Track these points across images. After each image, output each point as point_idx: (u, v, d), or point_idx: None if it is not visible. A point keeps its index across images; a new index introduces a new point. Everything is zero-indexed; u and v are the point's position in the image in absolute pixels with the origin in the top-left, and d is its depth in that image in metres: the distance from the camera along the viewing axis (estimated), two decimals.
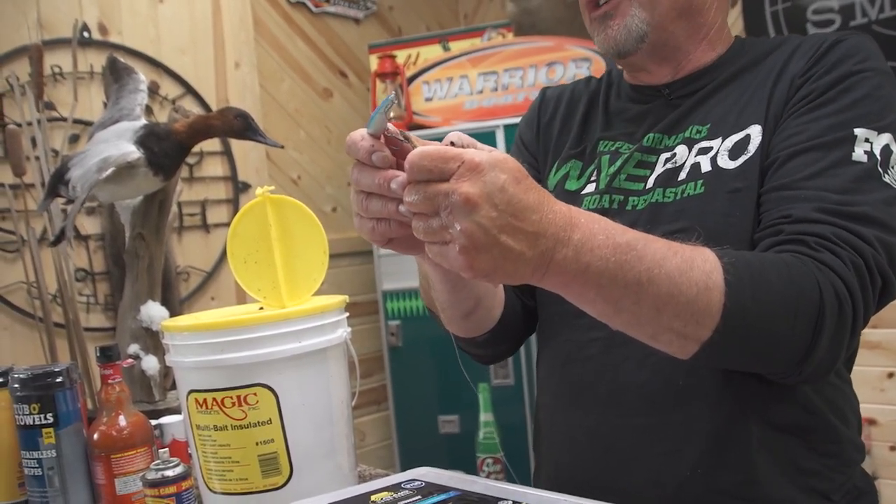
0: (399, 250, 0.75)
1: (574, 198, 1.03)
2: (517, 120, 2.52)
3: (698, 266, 0.73)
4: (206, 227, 2.57)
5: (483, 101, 2.70)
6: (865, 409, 2.44)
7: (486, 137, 2.57)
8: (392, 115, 0.71)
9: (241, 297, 2.61)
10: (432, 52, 2.87)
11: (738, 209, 0.88)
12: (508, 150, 2.63)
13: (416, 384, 2.68)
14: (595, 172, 1.03)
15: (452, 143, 0.69)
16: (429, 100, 2.78)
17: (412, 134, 0.70)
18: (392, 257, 2.70)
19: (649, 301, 0.71)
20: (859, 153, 0.84)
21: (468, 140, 0.71)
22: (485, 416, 2.47)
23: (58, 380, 1.01)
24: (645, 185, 0.97)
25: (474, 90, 2.71)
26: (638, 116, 1.04)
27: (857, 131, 0.85)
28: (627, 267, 0.69)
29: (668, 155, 0.97)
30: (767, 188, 0.87)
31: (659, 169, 0.97)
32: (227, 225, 2.60)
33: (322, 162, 3.02)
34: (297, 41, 2.96)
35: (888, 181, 0.84)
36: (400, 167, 0.67)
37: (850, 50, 0.91)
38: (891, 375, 2.42)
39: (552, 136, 1.12)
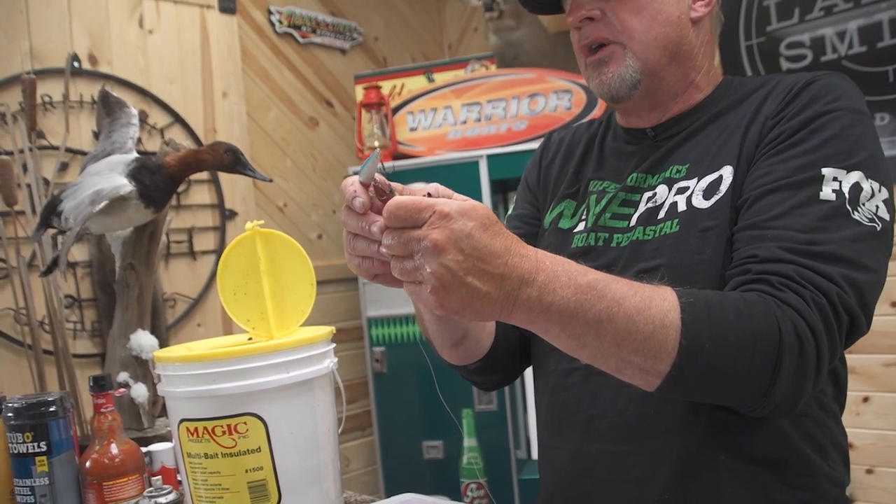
0: (384, 284, 0.81)
1: (566, 236, 1.07)
2: (500, 150, 2.61)
3: (656, 305, 0.77)
4: (192, 254, 2.59)
5: (466, 132, 2.75)
6: None
7: (470, 167, 2.63)
8: (379, 165, 0.78)
9: (228, 324, 2.64)
10: (417, 82, 2.93)
11: (709, 247, 0.92)
12: (490, 179, 2.67)
13: (401, 410, 2.71)
14: (585, 211, 1.07)
15: (429, 194, 0.74)
16: (413, 129, 2.83)
17: (398, 185, 0.76)
18: (377, 285, 2.73)
19: (610, 337, 0.76)
20: (827, 192, 0.86)
21: (445, 191, 0.76)
22: (468, 442, 2.50)
23: (51, 409, 1.04)
24: (629, 223, 1.01)
25: (458, 120, 2.77)
26: (626, 157, 1.08)
27: (825, 171, 0.87)
28: (588, 305, 0.74)
29: (650, 194, 1.01)
30: (738, 227, 0.91)
31: (641, 208, 1.01)
32: (214, 252, 2.64)
33: (308, 190, 3.06)
34: (283, 71, 3.01)
35: (857, 218, 0.85)
36: (376, 211, 0.74)
37: (821, 90, 0.94)
38: (866, 399, 2.47)
39: (552, 176, 1.17)
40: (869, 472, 2.49)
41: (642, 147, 1.07)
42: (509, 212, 1.24)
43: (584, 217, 1.07)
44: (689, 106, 1.05)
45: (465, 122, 2.76)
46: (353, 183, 0.75)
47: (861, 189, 0.87)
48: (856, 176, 0.87)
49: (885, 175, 0.90)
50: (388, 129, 2.82)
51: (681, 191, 0.98)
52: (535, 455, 2.57)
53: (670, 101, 1.05)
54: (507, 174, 2.61)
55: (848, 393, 1.00)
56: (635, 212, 1.01)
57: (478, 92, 2.75)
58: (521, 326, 0.77)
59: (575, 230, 1.07)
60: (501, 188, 2.71)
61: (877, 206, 0.87)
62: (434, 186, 0.76)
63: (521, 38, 2.78)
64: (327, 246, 3.09)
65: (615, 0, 1.00)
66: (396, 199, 0.71)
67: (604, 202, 1.05)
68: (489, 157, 2.62)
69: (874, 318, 0.86)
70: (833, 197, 0.86)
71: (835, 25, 2.46)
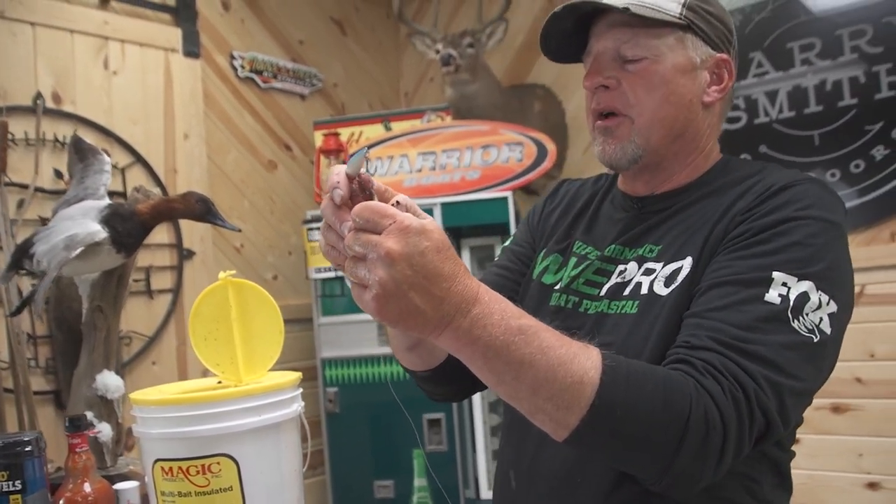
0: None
1: (547, 291, 1.11)
2: (454, 198, 2.72)
3: (579, 362, 0.79)
4: (149, 292, 2.62)
5: (422, 179, 2.85)
6: None
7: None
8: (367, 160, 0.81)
9: (183, 364, 2.66)
10: (375, 131, 3.03)
11: (654, 335, 0.94)
12: (444, 227, 2.76)
13: (353, 449, 2.75)
14: (565, 271, 1.11)
15: (398, 203, 0.78)
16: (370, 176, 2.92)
17: (383, 186, 0.79)
18: (331, 326, 2.80)
19: (528, 381, 0.78)
20: (773, 295, 0.87)
21: (410, 204, 0.78)
22: (419, 482, 2.56)
23: (27, 448, 1.09)
24: (599, 292, 1.04)
25: (413, 168, 2.87)
26: (612, 224, 1.11)
27: (776, 274, 0.88)
28: (513, 347, 0.77)
29: (622, 268, 1.04)
30: (685, 314, 0.93)
31: (613, 280, 1.04)
32: (171, 291, 2.67)
33: (265, 231, 3.12)
34: (244, 115, 3.08)
35: (796, 326, 0.86)
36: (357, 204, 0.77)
37: (796, 195, 0.95)
38: (796, 441, 2.61)
39: (549, 225, 1.20)
40: None
41: (628, 217, 1.09)
42: (506, 243, 1.27)
43: (562, 276, 1.10)
44: (680, 184, 1.07)
45: (420, 171, 2.86)
46: (338, 173, 0.76)
47: (808, 299, 0.88)
48: (805, 285, 0.88)
49: (841, 290, 0.91)
50: None
51: (648, 272, 1.00)
52: (483, 495, 2.64)
53: (666, 177, 1.08)
54: (460, 222, 2.71)
55: None
56: (607, 282, 1.04)
57: (433, 142, 2.86)
58: (448, 351, 0.80)
59: (555, 287, 1.10)
60: (455, 235, 2.81)
61: (820, 319, 0.88)
62: (403, 197, 0.78)
63: (476, 92, 2.91)
64: (283, 287, 3.14)
65: (632, 73, 1.02)
66: (365, 203, 0.74)
67: (581, 267, 1.07)
68: (443, 204, 2.72)
69: None
70: (777, 301, 0.87)
71: (766, 88, 2.65)
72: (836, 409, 2.54)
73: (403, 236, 0.72)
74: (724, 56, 1.06)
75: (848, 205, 2.51)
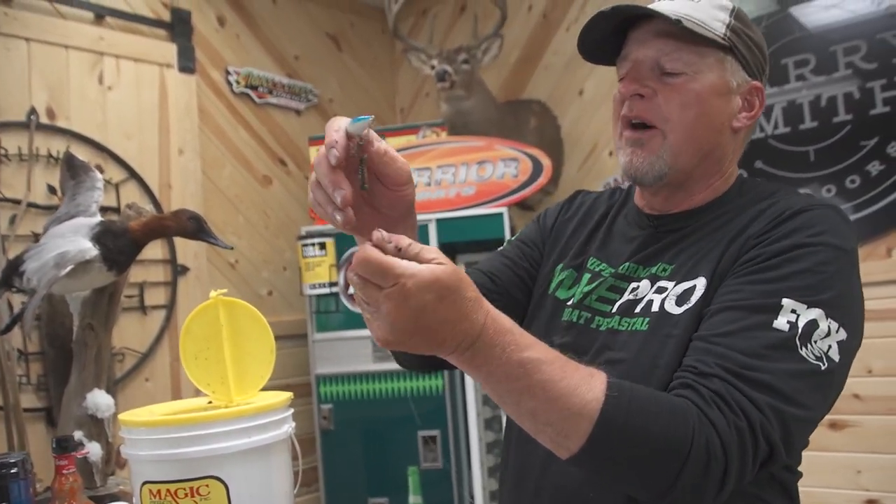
0: (334, 225, 0.78)
1: (560, 306, 1.10)
2: (449, 214, 2.71)
3: (580, 394, 0.79)
4: (143, 308, 2.61)
5: (417, 195, 2.84)
6: None
7: (420, 230, 2.70)
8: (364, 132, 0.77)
9: (176, 381, 2.64)
10: None
11: (667, 355, 0.94)
12: (440, 242, 2.73)
13: (347, 466, 2.73)
14: (577, 286, 1.10)
15: (400, 249, 0.72)
16: None
17: (384, 147, 0.76)
18: (326, 342, 2.78)
19: (527, 408, 0.80)
20: (781, 322, 0.86)
21: (409, 246, 0.72)
22: (414, 499, 2.53)
23: (13, 470, 1.07)
24: (611, 309, 1.04)
25: None
26: (627, 241, 1.10)
27: (785, 301, 0.87)
28: (513, 379, 0.78)
29: (635, 285, 1.03)
30: (693, 337, 0.92)
31: (625, 297, 1.03)
32: (165, 307, 2.66)
33: (259, 246, 3.11)
34: (239, 130, 3.08)
35: (804, 354, 0.86)
36: (352, 166, 0.75)
37: (809, 221, 0.94)
38: None
39: (564, 235, 1.19)
40: None
41: (644, 235, 1.09)
42: (511, 238, 1.26)
43: (575, 292, 1.10)
44: (697, 205, 1.07)
45: (415, 186, 2.85)
46: (338, 130, 0.74)
47: (817, 326, 0.87)
48: (815, 313, 0.88)
49: (850, 318, 0.91)
50: None
51: (660, 290, 1.00)
52: None
53: (685, 196, 1.07)
54: (455, 238, 2.70)
55: None
56: (619, 299, 1.04)
57: (428, 157, 2.86)
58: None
59: (567, 303, 1.10)
60: (450, 251, 2.81)
61: (829, 346, 0.88)
62: (403, 241, 0.73)
63: (471, 108, 2.92)
64: (277, 303, 3.12)
65: (669, 86, 1.01)
66: (366, 253, 0.71)
67: (595, 284, 1.07)
68: (438, 220, 2.71)
69: None
70: (786, 328, 0.86)
71: None
72: (834, 426, 2.53)
73: (404, 300, 0.70)
74: (758, 84, 1.07)
75: None
